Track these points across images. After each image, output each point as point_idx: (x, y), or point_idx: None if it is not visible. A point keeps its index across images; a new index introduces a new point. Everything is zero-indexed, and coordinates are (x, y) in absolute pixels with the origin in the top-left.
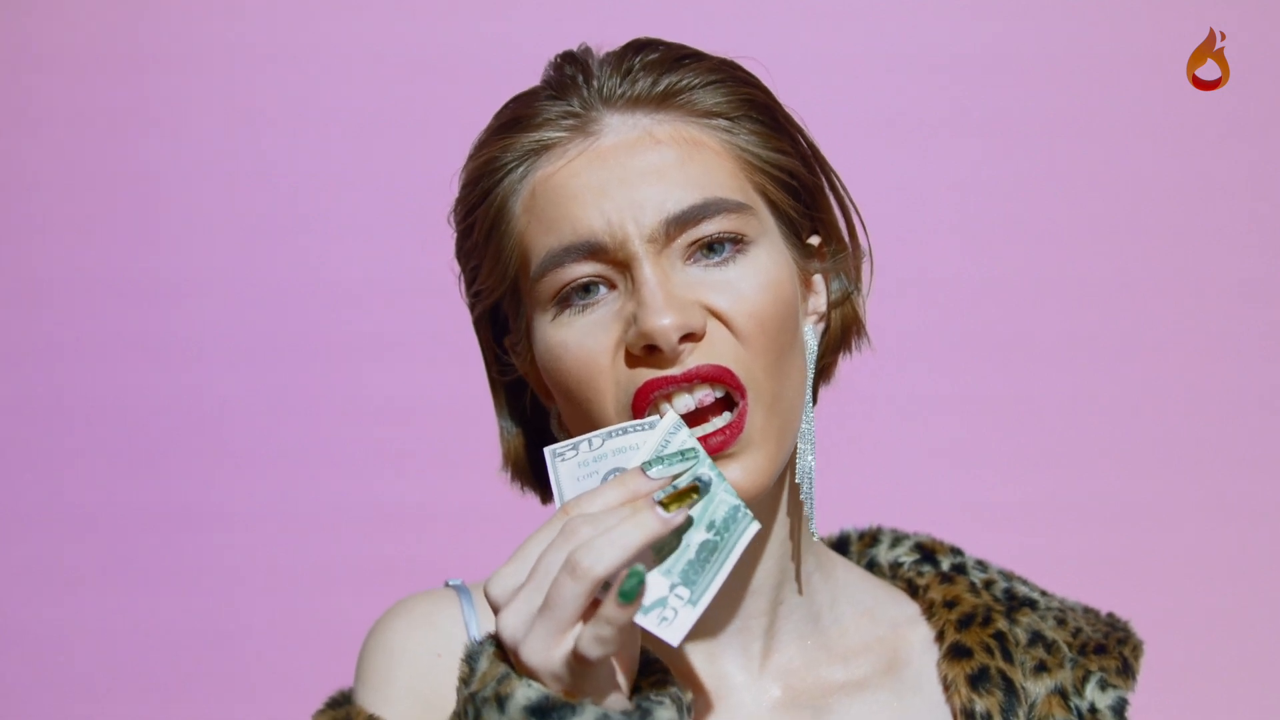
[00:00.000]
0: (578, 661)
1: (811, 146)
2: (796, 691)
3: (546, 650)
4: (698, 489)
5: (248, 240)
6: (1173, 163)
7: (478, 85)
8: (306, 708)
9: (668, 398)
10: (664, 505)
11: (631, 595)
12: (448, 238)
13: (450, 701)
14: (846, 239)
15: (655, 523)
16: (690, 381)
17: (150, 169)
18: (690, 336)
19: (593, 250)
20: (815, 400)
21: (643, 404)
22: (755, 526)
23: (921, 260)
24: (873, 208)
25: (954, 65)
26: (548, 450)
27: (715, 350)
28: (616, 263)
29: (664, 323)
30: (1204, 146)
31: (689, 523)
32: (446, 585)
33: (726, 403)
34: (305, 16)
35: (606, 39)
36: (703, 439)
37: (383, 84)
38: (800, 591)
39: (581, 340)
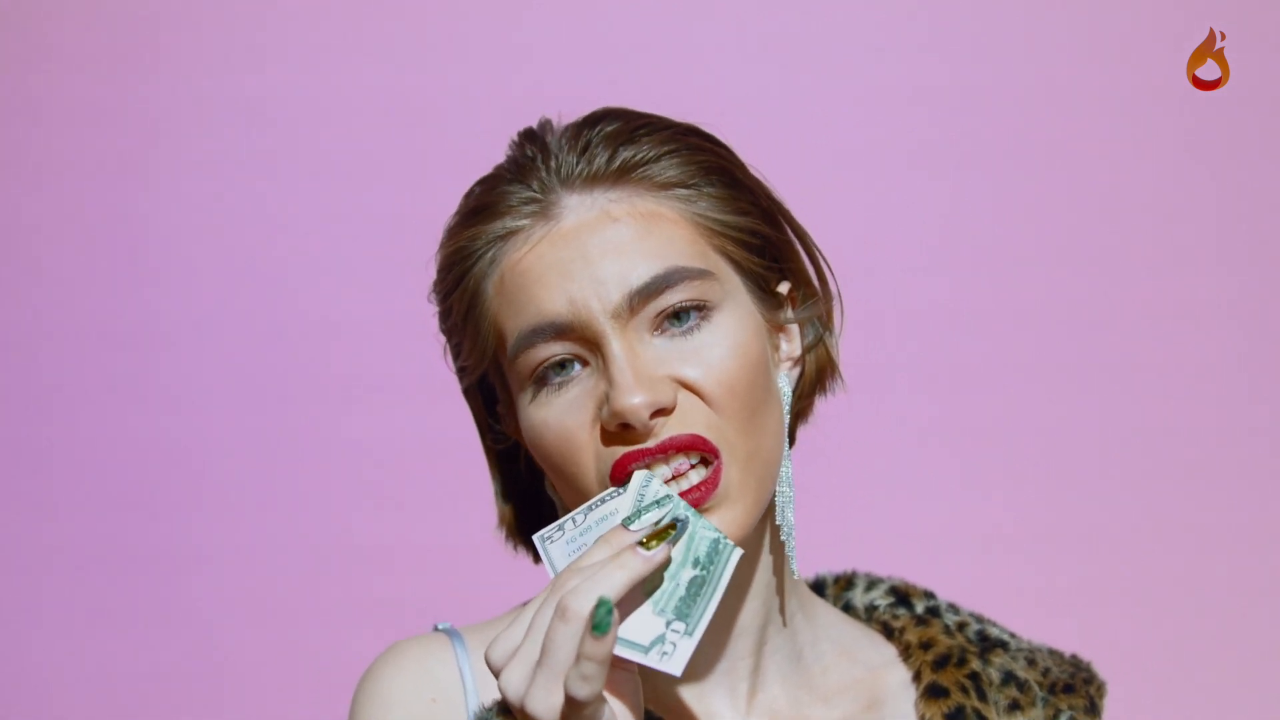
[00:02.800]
0: (569, 706)
1: (774, 202)
2: None
3: (549, 699)
4: (675, 525)
5: (232, 282)
6: (1172, 164)
7: (465, 129)
8: None
9: (646, 469)
10: (644, 544)
11: (604, 627)
12: (432, 280)
13: None
14: (816, 284)
15: (637, 561)
16: (665, 453)
17: (134, 212)
18: (661, 411)
19: (560, 330)
20: (793, 441)
21: (620, 477)
22: (738, 553)
23: (912, 283)
24: (878, 222)
25: (952, 65)
26: (536, 537)
27: (687, 420)
28: (585, 340)
29: (634, 401)
30: (1204, 147)
31: (669, 560)
32: (436, 629)
33: (704, 462)
34: (291, 60)
35: (589, 90)
36: (680, 495)
37: (372, 127)
38: (785, 631)
39: (561, 419)
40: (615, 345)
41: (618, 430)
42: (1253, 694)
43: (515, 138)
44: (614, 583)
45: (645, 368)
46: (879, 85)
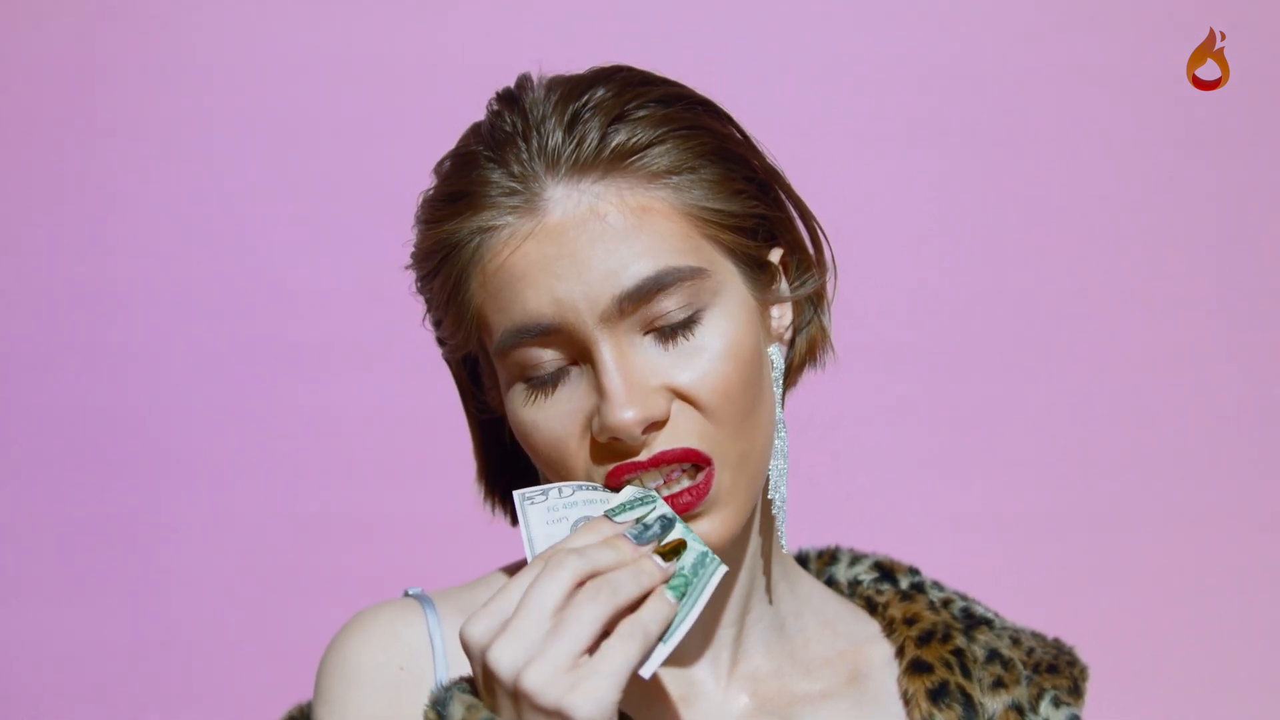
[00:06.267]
0: (591, 691)
1: (770, 172)
2: (763, 699)
3: (556, 676)
4: (685, 544)
5: (195, 248)
6: (1171, 163)
7: (433, 92)
8: None
9: (639, 480)
10: (663, 556)
11: (680, 591)
12: (398, 246)
13: (414, 715)
14: (811, 252)
15: (657, 573)
16: (657, 466)
17: (97, 175)
18: (654, 425)
19: (545, 331)
20: (783, 406)
21: (614, 487)
22: (723, 569)
23: (905, 269)
24: (879, 208)
25: (953, 64)
26: (517, 494)
27: (680, 433)
28: (573, 343)
29: (627, 417)
30: (1204, 146)
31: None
32: (406, 595)
33: (695, 467)
34: (255, 23)
35: (563, 50)
36: (670, 499)
37: (336, 90)
38: (769, 602)
39: (550, 425)
40: (606, 352)
41: (609, 442)
42: (1227, 680)
43: (493, 101)
44: (643, 582)
45: (637, 376)
46: (870, 64)
